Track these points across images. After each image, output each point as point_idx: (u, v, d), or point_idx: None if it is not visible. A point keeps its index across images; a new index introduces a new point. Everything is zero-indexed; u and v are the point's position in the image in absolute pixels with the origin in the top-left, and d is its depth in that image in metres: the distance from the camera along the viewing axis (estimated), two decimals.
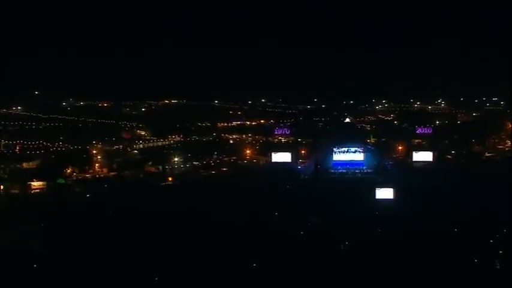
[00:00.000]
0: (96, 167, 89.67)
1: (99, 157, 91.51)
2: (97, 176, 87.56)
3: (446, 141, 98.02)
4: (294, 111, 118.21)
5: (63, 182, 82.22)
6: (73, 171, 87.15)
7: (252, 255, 45.21)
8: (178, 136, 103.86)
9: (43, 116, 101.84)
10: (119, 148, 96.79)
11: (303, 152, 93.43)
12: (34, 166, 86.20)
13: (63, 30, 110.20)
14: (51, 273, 41.72)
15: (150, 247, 47.12)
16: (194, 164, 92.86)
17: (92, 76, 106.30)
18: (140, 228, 52.75)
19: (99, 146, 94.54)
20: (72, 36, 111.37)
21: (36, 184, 79.60)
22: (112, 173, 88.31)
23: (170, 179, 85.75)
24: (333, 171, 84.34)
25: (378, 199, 65.55)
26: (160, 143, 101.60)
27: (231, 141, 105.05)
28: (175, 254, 45.39)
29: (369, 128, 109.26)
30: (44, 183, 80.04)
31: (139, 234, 50.84)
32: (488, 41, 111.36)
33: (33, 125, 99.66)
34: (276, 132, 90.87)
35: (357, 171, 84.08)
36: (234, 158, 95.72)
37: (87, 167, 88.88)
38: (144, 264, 43.23)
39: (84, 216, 59.39)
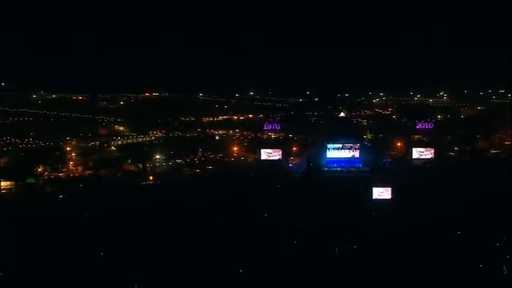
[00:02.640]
0: (70, 165, 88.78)
1: (73, 154, 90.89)
2: (71, 175, 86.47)
3: (449, 137, 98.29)
4: (284, 104, 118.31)
5: (34, 181, 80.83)
6: (45, 170, 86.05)
7: (239, 261, 44.97)
8: (160, 132, 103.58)
9: (11, 110, 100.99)
10: (95, 145, 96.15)
11: (294, 148, 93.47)
12: (1, 164, 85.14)
13: (31, 17, 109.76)
14: (19, 281, 41.32)
15: (129, 253, 46.64)
16: (177, 162, 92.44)
17: (65, 66, 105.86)
18: (118, 232, 52.13)
19: (73, 142, 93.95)
20: (41, 23, 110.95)
21: (3, 184, 78.36)
22: (88, 172, 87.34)
23: (151, 178, 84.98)
24: (326, 169, 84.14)
25: (375, 199, 65.63)
26: (140, 139, 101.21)
27: (217, 137, 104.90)
28: (157, 259, 44.91)
29: (365, 123, 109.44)
30: (12, 183, 78.91)
31: (117, 238, 50.29)
32: (493, 28, 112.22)
33: (0, 119, 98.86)
34: (265, 128, 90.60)
35: (352, 169, 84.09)
36: (220, 155, 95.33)
37: (60, 165, 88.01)
38: (122, 271, 42.87)
39: (57, 219, 58.51)
